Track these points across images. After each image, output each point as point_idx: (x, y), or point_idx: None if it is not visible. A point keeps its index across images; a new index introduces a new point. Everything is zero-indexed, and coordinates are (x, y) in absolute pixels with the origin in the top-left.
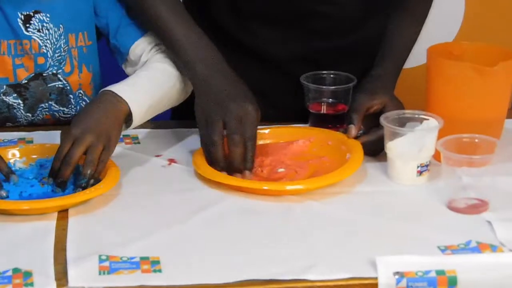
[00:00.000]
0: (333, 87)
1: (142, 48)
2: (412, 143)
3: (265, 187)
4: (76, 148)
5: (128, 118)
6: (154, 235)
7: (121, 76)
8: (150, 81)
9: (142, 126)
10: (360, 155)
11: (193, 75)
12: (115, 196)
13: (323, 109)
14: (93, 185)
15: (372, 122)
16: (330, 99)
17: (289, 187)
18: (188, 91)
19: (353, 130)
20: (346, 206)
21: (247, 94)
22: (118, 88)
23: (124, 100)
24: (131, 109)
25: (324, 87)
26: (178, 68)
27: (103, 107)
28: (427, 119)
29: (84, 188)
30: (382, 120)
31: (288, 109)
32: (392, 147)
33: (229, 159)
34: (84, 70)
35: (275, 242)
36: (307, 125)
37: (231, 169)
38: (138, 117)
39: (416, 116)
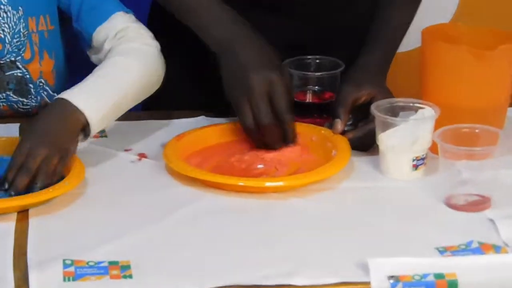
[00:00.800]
0: (319, 73)
1: (105, 34)
2: (406, 135)
3: (242, 183)
4: (32, 160)
5: (84, 127)
6: (123, 237)
7: (89, 63)
8: (108, 82)
9: None
10: (347, 152)
11: (211, 41)
12: (80, 195)
13: (308, 98)
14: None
15: (361, 115)
16: (316, 87)
17: (269, 184)
18: (159, 80)
19: (339, 125)
20: (333, 203)
21: (271, 59)
22: (73, 96)
23: (80, 110)
24: (89, 120)
25: (309, 73)
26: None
27: (58, 118)
28: (423, 108)
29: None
30: (373, 109)
31: None
32: (384, 139)
33: (266, 142)
34: (45, 56)
35: (256, 243)
36: None
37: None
38: (96, 126)
39: (411, 104)
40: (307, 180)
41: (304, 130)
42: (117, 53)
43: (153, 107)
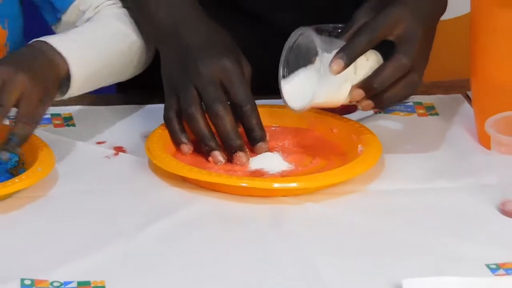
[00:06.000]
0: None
1: (89, 3)
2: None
3: (245, 184)
4: (9, 91)
5: (63, 83)
6: (96, 252)
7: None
8: (98, 39)
9: (77, 101)
10: (377, 148)
11: (153, 25)
12: (41, 198)
13: None
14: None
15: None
16: None
17: (279, 185)
18: (148, 59)
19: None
20: (359, 211)
21: (226, 45)
22: (55, 40)
23: (63, 56)
24: (71, 69)
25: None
26: (139, 22)
27: (36, 56)
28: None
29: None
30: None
31: (273, 72)
32: None
33: (220, 137)
34: None
35: (264, 261)
36: None
37: (229, 150)
38: (78, 82)
39: None
40: (327, 181)
41: (322, 119)
42: (108, 15)
43: (132, 87)
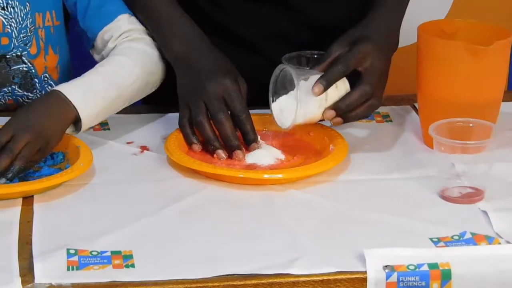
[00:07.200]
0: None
1: (110, 34)
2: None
3: (241, 175)
4: (15, 143)
5: (76, 121)
6: (126, 227)
7: (93, 60)
8: (106, 80)
9: None
10: (344, 147)
11: (171, 53)
12: (83, 186)
13: None
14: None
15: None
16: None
17: (268, 176)
18: (157, 82)
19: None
20: (331, 195)
21: (227, 69)
22: (68, 90)
23: (73, 105)
24: (80, 115)
25: (307, 68)
26: (158, 48)
27: (49, 109)
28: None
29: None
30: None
31: (265, 93)
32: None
33: (222, 139)
34: (50, 52)
35: (256, 234)
36: None
37: (229, 149)
38: (87, 122)
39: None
40: (305, 173)
41: (302, 125)
42: (120, 52)
43: (154, 100)
